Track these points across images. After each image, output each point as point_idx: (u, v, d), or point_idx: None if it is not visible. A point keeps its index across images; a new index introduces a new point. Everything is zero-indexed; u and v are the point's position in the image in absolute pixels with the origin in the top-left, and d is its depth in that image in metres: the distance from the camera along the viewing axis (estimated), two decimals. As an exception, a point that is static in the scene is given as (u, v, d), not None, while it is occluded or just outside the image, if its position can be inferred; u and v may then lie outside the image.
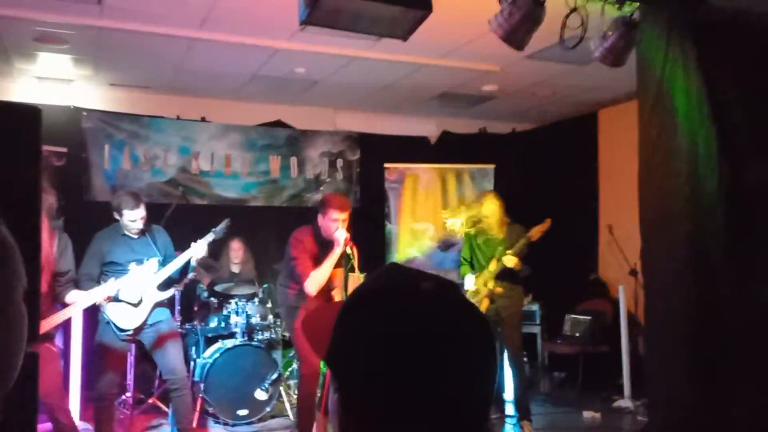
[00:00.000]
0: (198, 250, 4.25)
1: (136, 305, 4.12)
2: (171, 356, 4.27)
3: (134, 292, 4.11)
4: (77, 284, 3.98)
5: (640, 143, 3.77)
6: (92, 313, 5.35)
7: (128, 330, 4.13)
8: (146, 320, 4.18)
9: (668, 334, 3.69)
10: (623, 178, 6.79)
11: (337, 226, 4.15)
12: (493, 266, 4.89)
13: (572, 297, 6.82)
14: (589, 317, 6.48)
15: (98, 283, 4.08)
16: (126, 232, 4.19)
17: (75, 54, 5.51)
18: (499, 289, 4.88)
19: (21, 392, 1.83)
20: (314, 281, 4.13)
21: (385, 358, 0.73)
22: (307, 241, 4.29)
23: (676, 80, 3.43)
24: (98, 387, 4.17)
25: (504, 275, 4.89)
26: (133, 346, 4.30)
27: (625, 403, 5.71)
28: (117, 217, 4.17)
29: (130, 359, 5.12)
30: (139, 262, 4.17)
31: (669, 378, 3.65)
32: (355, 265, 4.14)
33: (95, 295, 3.88)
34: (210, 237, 4.32)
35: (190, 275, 4.40)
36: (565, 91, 6.52)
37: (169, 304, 5.40)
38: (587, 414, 5.51)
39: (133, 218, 4.12)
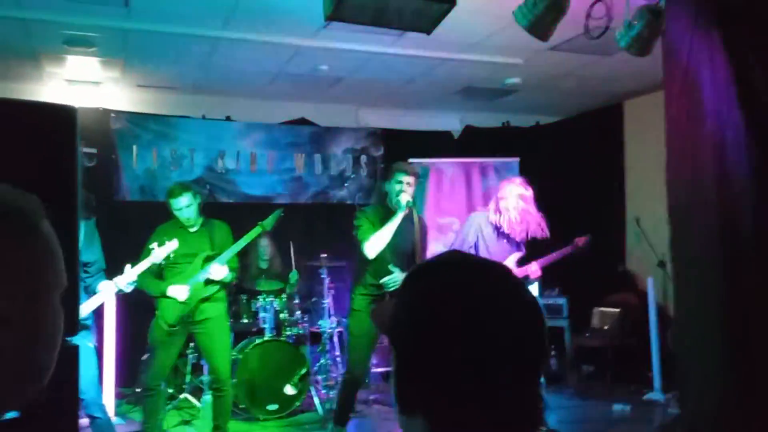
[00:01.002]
0: (242, 245, 4.32)
1: (183, 300, 4.20)
2: (216, 355, 4.33)
3: (182, 288, 4.19)
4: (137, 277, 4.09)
5: (667, 133, 3.73)
6: (129, 309, 5.49)
7: (174, 323, 4.21)
8: (192, 315, 4.24)
9: (698, 325, 3.65)
10: (650, 169, 6.72)
11: (401, 188, 4.13)
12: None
13: (600, 290, 6.76)
14: (617, 310, 6.43)
15: (156, 275, 4.23)
16: (184, 225, 4.27)
17: (103, 56, 5.61)
18: None
19: (61, 385, 1.88)
20: (372, 245, 4.10)
21: (440, 321, 0.77)
22: (371, 212, 4.33)
23: (703, 68, 3.39)
24: (146, 378, 4.29)
25: None
26: (179, 342, 4.36)
27: (656, 395, 5.66)
28: (170, 208, 4.27)
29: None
30: (192, 256, 4.24)
31: (700, 370, 3.61)
32: (416, 232, 4.13)
33: (117, 282, 3.95)
34: (258, 230, 4.37)
35: (232, 274, 4.40)
36: (589, 83, 6.47)
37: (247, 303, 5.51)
38: (617, 407, 5.47)
39: (177, 207, 4.21)
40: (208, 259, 4.26)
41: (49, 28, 4.87)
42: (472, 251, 4.31)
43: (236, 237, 4.42)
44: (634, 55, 3.50)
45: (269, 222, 4.44)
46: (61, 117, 1.80)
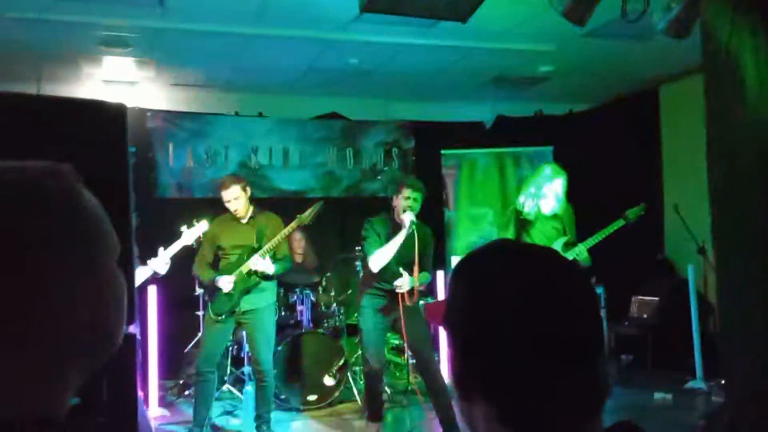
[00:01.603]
0: (280, 237, 4.41)
1: (229, 290, 4.31)
2: (259, 347, 4.43)
3: (227, 279, 4.31)
4: (194, 266, 4.45)
5: (707, 117, 3.65)
6: (170, 304, 5.60)
7: (221, 313, 4.33)
8: (238, 306, 4.34)
9: (742, 311, 3.59)
10: (687, 155, 6.61)
11: (408, 204, 4.24)
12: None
13: (638, 278, 6.68)
14: (656, 298, 6.34)
15: (211, 265, 4.41)
16: (236, 218, 4.40)
17: (138, 56, 5.70)
18: None
19: (121, 374, 1.93)
20: (376, 259, 4.28)
21: (495, 302, 0.77)
22: (378, 224, 4.44)
23: (744, 50, 3.32)
24: (197, 364, 4.45)
25: None
26: (228, 329, 4.47)
27: (698, 384, 5.57)
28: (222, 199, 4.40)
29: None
30: (241, 247, 4.35)
31: (744, 358, 3.55)
32: (415, 254, 4.20)
33: (151, 264, 4.14)
34: (295, 224, 4.44)
35: (277, 266, 4.49)
36: (623, 68, 6.38)
37: (284, 297, 5.61)
38: (658, 395, 5.41)
39: (226, 198, 4.33)
40: (253, 251, 4.34)
41: (87, 29, 4.97)
42: None
43: (284, 227, 4.52)
44: (671, 38, 3.44)
45: (308, 215, 4.49)
46: (111, 114, 1.84)
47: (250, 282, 4.37)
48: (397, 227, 4.30)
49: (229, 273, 4.34)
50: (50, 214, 0.71)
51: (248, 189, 4.44)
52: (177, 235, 4.53)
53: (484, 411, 0.78)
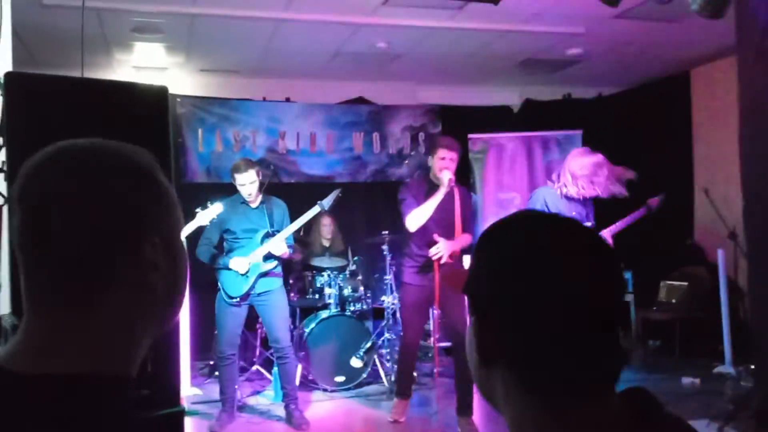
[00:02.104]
0: (301, 223, 4.47)
1: (243, 274, 4.37)
2: (276, 326, 4.51)
3: (242, 261, 4.36)
4: (198, 248, 4.41)
5: (740, 100, 3.61)
6: (200, 286, 5.69)
7: (235, 297, 4.39)
8: (252, 289, 4.41)
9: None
10: (720, 139, 6.53)
11: (444, 164, 4.24)
12: None
13: (667, 263, 6.63)
14: (685, 283, 6.30)
15: (217, 248, 4.45)
16: (245, 201, 4.45)
17: (168, 42, 5.78)
18: None
19: (165, 349, 2.00)
20: (413, 219, 4.25)
21: (518, 269, 0.79)
22: (414, 185, 4.48)
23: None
24: (218, 348, 4.55)
25: None
26: (243, 312, 4.54)
27: (726, 368, 5.54)
28: (234, 182, 4.44)
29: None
30: (253, 231, 4.42)
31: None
32: (457, 205, 4.20)
33: None
34: (316, 209, 4.49)
35: (289, 251, 4.56)
36: (654, 51, 6.29)
37: (285, 275, 5.69)
38: (686, 380, 5.39)
39: (242, 182, 4.37)
40: (267, 236, 4.41)
41: (120, 16, 5.05)
42: None
43: (298, 215, 4.56)
44: (706, 19, 3.40)
45: (327, 201, 4.54)
46: (153, 96, 1.90)
47: (267, 265, 4.44)
48: (434, 187, 4.28)
49: (242, 256, 4.40)
50: (143, 181, 0.78)
51: (260, 174, 4.50)
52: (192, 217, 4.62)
53: (504, 376, 0.79)
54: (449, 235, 4.30)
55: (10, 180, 1.71)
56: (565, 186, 4.29)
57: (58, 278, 0.73)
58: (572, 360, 0.76)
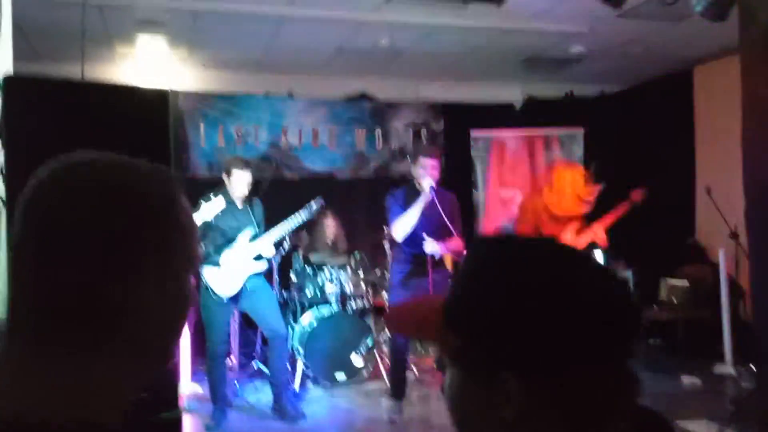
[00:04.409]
0: (284, 230, 4.50)
1: (232, 274, 4.38)
2: (270, 315, 4.55)
3: (231, 261, 4.36)
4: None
5: (743, 99, 3.60)
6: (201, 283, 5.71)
7: (223, 296, 4.40)
8: (242, 289, 4.42)
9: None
10: (722, 137, 6.50)
11: (425, 173, 4.33)
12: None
13: (668, 262, 6.62)
14: (686, 282, 6.29)
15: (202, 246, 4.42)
16: (232, 200, 4.42)
17: (171, 37, 5.76)
18: None
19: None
20: (398, 227, 4.38)
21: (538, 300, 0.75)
22: (399, 194, 4.55)
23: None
24: (208, 346, 4.54)
25: None
26: (235, 311, 4.55)
27: (727, 369, 5.54)
28: (225, 179, 4.43)
29: (234, 325, 5.42)
30: (239, 230, 4.41)
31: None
32: (443, 216, 4.24)
33: None
34: (298, 219, 4.53)
35: (287, 246, 4.60)
36: (657, 49, 6.27)
37: (268, 274, 5.68)
38: (687, 379, 5.39)
39: (241, 180, 4.36)
40: (256, 236, 4.42)
41: (123, 11, 5.04)
42: (534, 233, 4.48)
43: (294, 211, 4.61)
44: (710, 21, 3.39)
45: (306, 212, 4.61)
46: (154, 100, 1.90)
47: (258, 265, 4.47)
48: (417, 195, 4.38)
49: (230, 254, 4.39)
50: (147, 222, 0.72)
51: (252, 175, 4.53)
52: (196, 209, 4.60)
53: (513, 389, 0.74)
54: (437, 239, 4.40)
55: (8, 183, 1.71)
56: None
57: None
58: (586, 393, 0.74)
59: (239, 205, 4.49)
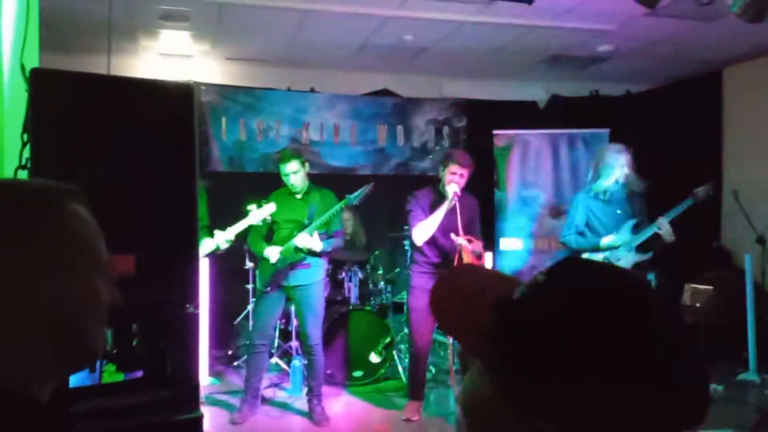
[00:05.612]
0: (327, 216, 4.45)
1: (273, 262, 4.38)
2: (307, 321, 4.51)
3: (274, 250, 4.38)
4: (248, 237, 4.49)
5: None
6: (221, 274, 5.73)
7: (267, 284, 4.43)
8: (285, 279, 4.42)
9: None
10: (750, 140, 6.38)
11: (453, 179, 4.31)
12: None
13: (692, 266, 6.51)
14: (711, 287, 6.18)
15: (265, 237, 4.49)
16: (292, 192, 4.46)
17: (195, 30, 5.76)
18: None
19: (185, 350, 1.99)
20: (418, 232, 4.37)
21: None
22: (422, 196, 4.52)
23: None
24: (251, 335, 4.60)
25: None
26: (277, 303, 4.53)
27: (750, 376, 5.45)
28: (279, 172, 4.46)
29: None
30: (293, 222, 4.41)
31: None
32: (459, 224, 4.21)
33: (216, 239, 4.32)
34: (343, 203, 4.45)
35: (325, 244, 4.49)
36: (686, 49, 6.15)
37: (332, 274, 5.65)
38: (709, 387, 5.29)
39: (285, 172, 4.39)
40: (302, 227, 4.38)
41: (148, 4, 5.04)
42: (587, 231, 4.40)
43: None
44: (746, 22, 3.30)
45: (356, 196, 4.48)
46: (181, 94, 1.87)
47: (297, 257, 4.41)
48: (441, 199, 4.37)
49: (279, 245, 4.41)
50: (24, 219, 0.79)
51: (306, 164, 4.49)
52: (229, 210, 4.63)
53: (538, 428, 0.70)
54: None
55: (34, 177, 1.71)
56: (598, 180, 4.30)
57: None
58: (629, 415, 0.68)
59: (299, 197, 4.48)
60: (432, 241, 4.41)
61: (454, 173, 4.36)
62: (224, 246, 4.34)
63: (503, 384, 0.73)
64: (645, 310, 0.72)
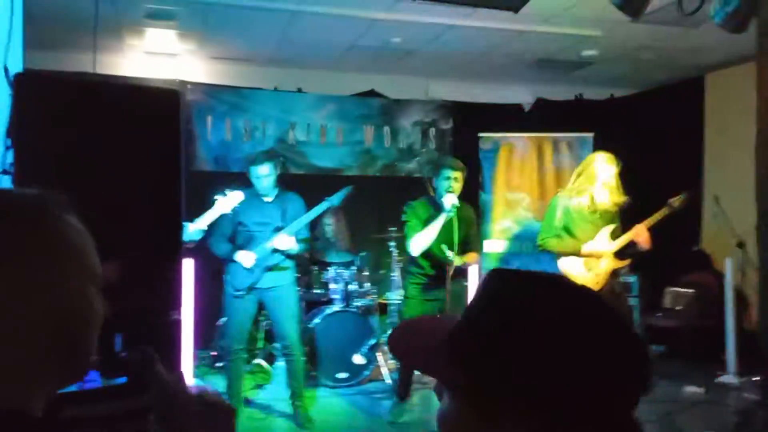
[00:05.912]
0: (309, 218, 4.41)
1: (250, 267, 4.34)
2: (283, 322, 4.49)
3: (249, 255, 4.33)
4: (209, 239, 4.30)
5: (759, 107, 3.58)
6: (204, 274, 5.69)
7: (241, 288, 4.37)
8: (258, 282, 4.38)
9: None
10: (731, 145, 6.46)
11: (448, 184, 4.24)
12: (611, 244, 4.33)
13: (673, 270, 6.59)
14: (691, 290, 6.26)
15: (230, 242, 4.39)
16: (261, 195, 4.39)
17: (181, 29, 5.73)
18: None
19: (168, 356, 1.99)
20: (415, 244, 4.31)
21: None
22: (419, 206, 4.46)
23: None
24: (225, 342, 4.58)
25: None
26: (251, 307, 4.49)
27: (730, 379, 5.52)
28: (249, 174, 4.39)
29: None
30: (264, 225, 4.36)
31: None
32: (455, 237, 4.18)
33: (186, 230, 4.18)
34: (324, 206, 4.44)
35: (299, 247, 4.47)
36: (670, 55, 6.22)
37: (302, 272, 5.60)
38: (689, 389, 5.37)
39: (257, 174, 4.32)
40: (277, 230, 4.36)
41: (134, 2, 5.01)
42: (564, 234, 4.28)
43: (306, 209, 4.51)
44: (728, 32, 3.35)
45: (337, 197, 4.48)
46: (165, 99, 1.87)
47: (273, 260, 4.40)
48: (438, 209, 4.30)
49: (252, 249, 4.35)
50: (18, 231, 0.78)
51: (278, 168, 4.44)
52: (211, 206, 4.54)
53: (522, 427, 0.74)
54: (456, 250, 4.31)
55: (18, 182, 1.69)
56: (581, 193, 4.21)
57: None
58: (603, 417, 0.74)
59: (268, 200, 4.43)
60: (427, 253, 4.36)
61: (448, 177, 4.28)
62: (197, 237, 4.18)
63: (465, 402, 0.78)
64: (576, 313, 0.77)
